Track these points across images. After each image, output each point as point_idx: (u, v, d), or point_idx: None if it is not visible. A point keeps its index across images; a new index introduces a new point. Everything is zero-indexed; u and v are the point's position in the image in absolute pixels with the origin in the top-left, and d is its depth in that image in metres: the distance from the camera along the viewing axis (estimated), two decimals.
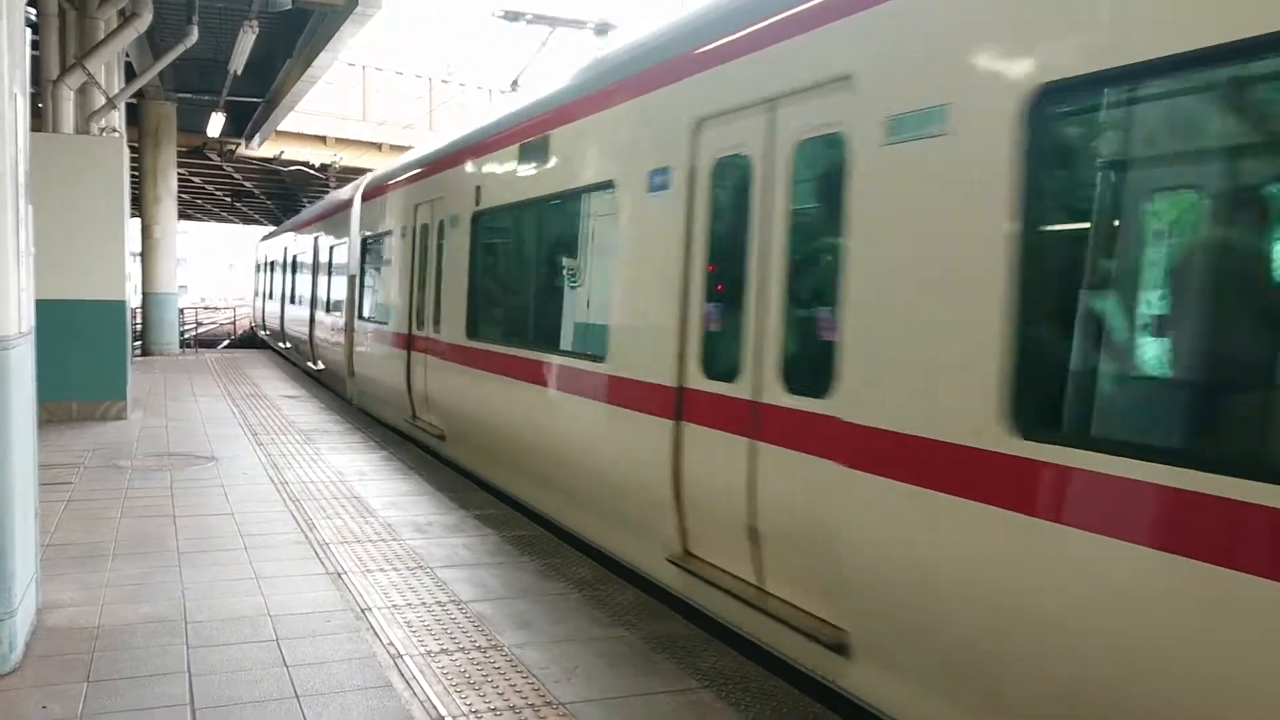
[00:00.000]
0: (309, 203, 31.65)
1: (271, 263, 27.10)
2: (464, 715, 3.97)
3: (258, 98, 23.50)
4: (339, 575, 5.80)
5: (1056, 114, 3.26)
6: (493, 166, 8.39)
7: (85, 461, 9.16)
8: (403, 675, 4.36)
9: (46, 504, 6.85)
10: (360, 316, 13.68)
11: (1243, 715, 2.62)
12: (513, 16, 11.89)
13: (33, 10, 13.14)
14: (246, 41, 15.42)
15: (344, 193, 16.43)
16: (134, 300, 15.97)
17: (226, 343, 34.29)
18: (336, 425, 11.93)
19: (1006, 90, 3.30)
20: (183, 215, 38.57)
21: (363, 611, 5.17)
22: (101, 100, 13.71)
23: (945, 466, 3.50)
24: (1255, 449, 2.80)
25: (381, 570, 5.92)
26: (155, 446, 10.07)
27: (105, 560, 5.98)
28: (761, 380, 4.60)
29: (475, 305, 8.76)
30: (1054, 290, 3.31)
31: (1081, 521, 3.02)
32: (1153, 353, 3.18)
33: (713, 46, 5.13)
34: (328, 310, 16.46)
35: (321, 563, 6.06)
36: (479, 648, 4.69)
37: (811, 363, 4.29)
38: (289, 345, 22.04)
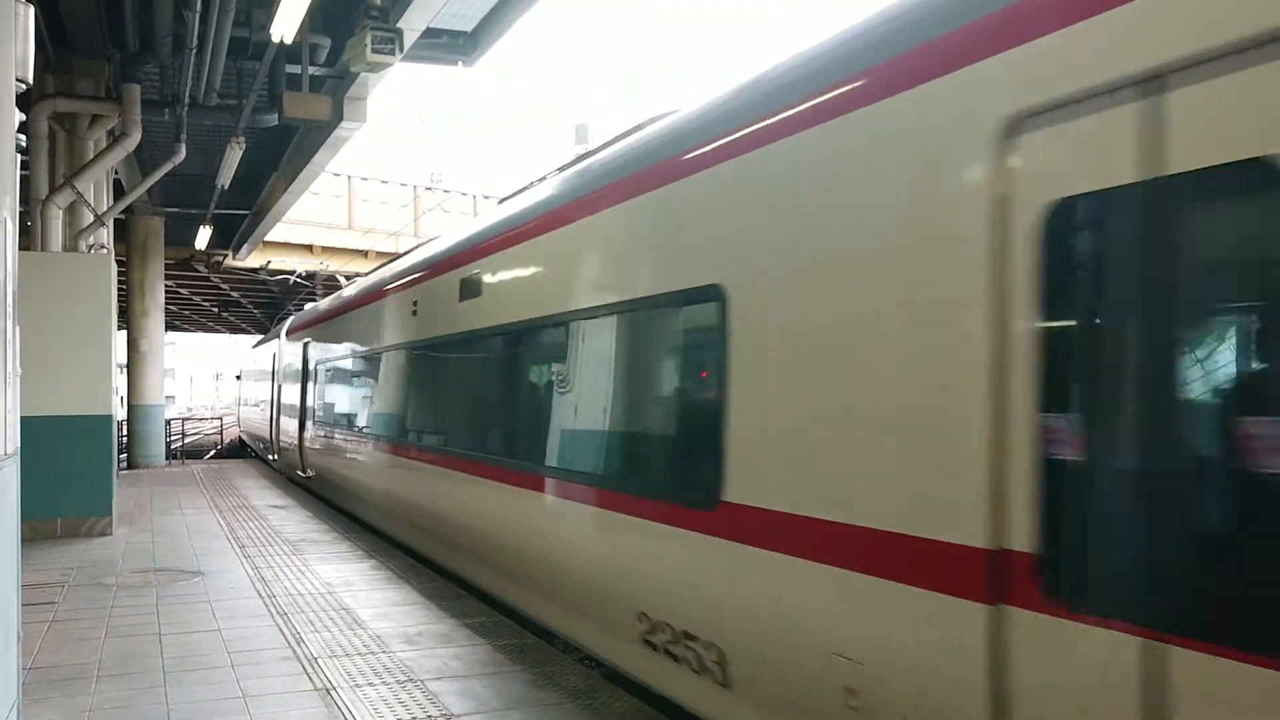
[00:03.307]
0: (295, 310, 31.77)
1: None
2: None
3: (244, 210, 23.80)
4: (328, 691, 5.69)
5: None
6: (332, 329, 14.91)
7: (70, 580, 9.02)
8: None
9: (30, 625, 6.72)
10: (277, 413, 20.71)
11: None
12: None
13: (23, 136, 13.36)
14: (233, 157, 15.71)
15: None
16: (120, 413, 15.91)
17: (213, 453, 34.01)
18: (324, 535, 11.81)
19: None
20: (169, 326, 38.67)
21: None
22: (90, 218, 13.81)
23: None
24: None
25: (371, 685, 5.81)
26: (141, 562, 9.94)
27: (89, 683, 5.86)
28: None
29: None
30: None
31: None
32: None
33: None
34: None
35: (310, 679, 5.94)
36: None
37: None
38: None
